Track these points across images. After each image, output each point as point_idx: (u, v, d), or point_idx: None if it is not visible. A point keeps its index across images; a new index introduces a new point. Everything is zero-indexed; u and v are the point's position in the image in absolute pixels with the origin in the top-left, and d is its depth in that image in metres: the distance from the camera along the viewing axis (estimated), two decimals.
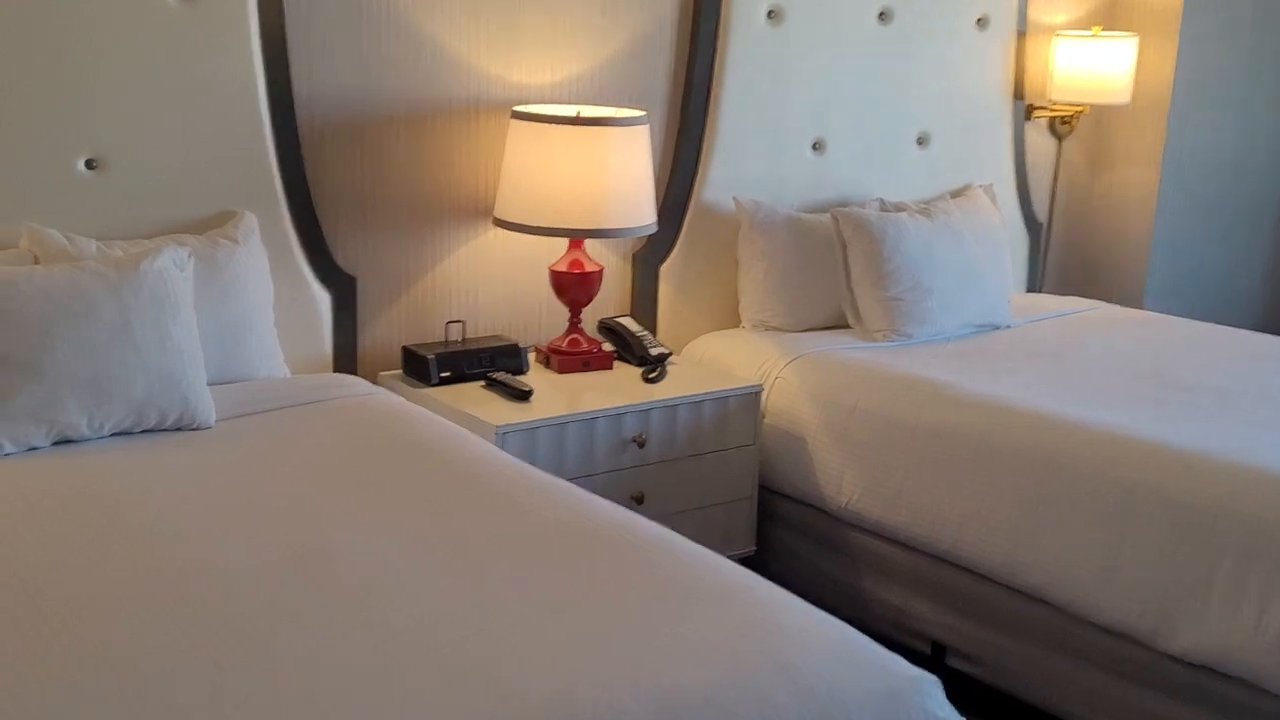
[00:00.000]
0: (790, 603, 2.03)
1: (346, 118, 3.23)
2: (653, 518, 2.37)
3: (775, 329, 3.69)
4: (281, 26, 3.06)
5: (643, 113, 3.35)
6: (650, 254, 3.71)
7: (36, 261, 2.70)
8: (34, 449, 2.48)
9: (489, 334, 3.47)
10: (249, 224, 3.01)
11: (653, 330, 3.67)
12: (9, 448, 2.44)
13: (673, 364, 3.45)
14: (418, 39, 3.28)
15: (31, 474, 2.38)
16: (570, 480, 2.57)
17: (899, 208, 3.86)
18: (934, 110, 4.15)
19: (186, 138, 2.96)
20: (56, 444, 2.52)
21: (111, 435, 2.58)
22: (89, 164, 2.87)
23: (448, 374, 3.20)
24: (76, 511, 2.23)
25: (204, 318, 2.78)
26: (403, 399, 2.97)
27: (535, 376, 3.27)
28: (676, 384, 3.30)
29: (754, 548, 3.40)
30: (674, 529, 2.29)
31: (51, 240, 2.74)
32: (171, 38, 2.91)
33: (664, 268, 3.72)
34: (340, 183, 3.25)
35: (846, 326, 3.73)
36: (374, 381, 3.20)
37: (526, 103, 3.38)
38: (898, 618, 3.20)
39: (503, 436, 2.92)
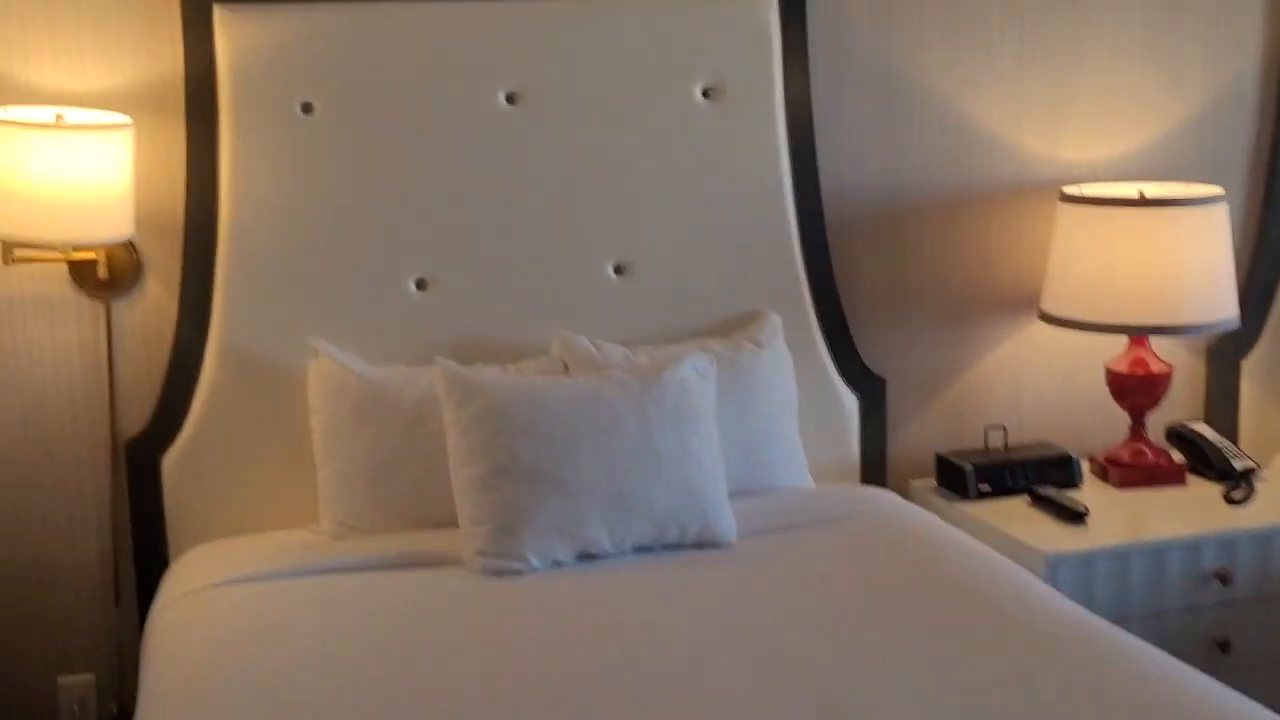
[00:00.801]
0: None
1: (875, 209, 3.03)
2: (1240, 670, 1.92)
3: None
4: (809, 118, 2.91)
5: (1219, 190, 2.89)
6: (1229, 348, 3.19)
7: (566, 369, 2.69)
8: (558, 563, 2.43)
9: (1035, 441, 3.10)
10: (773, 326, 2.85)
11: (1233, 439, 3.14)
12: (535, 563, 2.40)
13: (1261, 480, 2.90)
14: (953, 120, 3.04)
15: (556, 590, 2.34)
16: (1136, 621, 2.18)
17: None
18: None
19: (710, 238, 2.86)
20: (580, 559, 2.45)
21: (633, 551, 2.48)
22: (617, 269, 2.83)
23: (987, 487, 2.89)
24: (599, 632, 2.16)
25: (726, 425, 2.65)
26: (936, 517, 2.69)
27: (1090, 492, 2.89)
28: (1268, 506, 2.77)
29: None
30: (1269, 685, 1.83)
31: (580, 348, 2.71)
32: (698, 136, 2.84)
33: (1246, 364, 3.18)
34: (868, 278, 3.05)
35: None
36: (905, 491, 2.97)
37: (1077, 182, 3.03)
38: None
39: (1052, 566, 2.55)
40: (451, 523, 2.47)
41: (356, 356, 2.68)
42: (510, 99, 2.74)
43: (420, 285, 2.75)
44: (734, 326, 2.87)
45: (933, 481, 3.03)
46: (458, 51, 2.70)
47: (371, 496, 2.59)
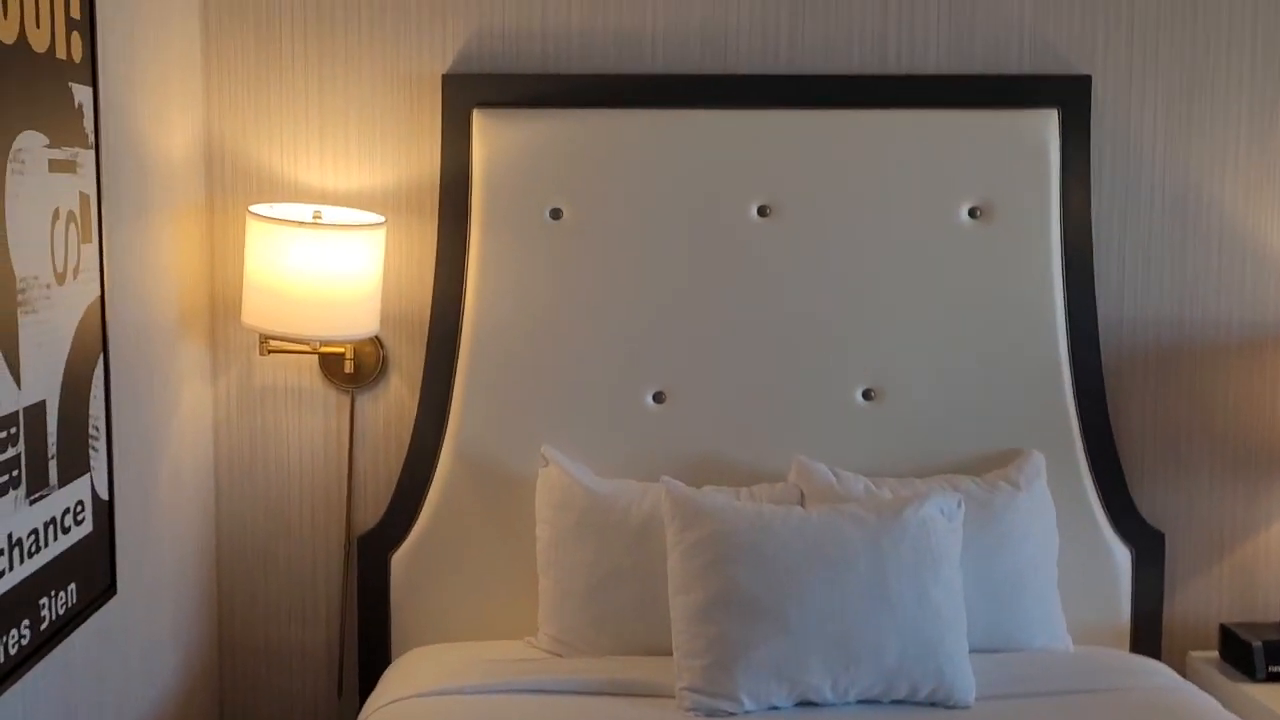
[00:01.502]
0: None
1: (1159, 342, 2.75)
2: None
3: None
4: (1088, 240, 2.68)
5: None
6: None
7: (802, 497, 2.53)
8: (774, 709, 2.25)
9: None
10: (1035, 465, 2.60)
11: None
12: (748, 705, 2.24)
13: None
14: (1255, 247, 2.73)
15: None
16: None
17: None
18: None
19: (971, 366, 2.65)
20: (798, 705, 2.27)
21: (856, 703, 2.28)
22: (866, 394, 2.66)
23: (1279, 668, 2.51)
24: None
25: (972, 572, 2.43)
26: (1215, 701, 2.36)
27: None
28: None
29: None
30: None
31: (818, 476, 2.55)
32: (962, 258, 2.65)
33: None
34: (1147, 419, 2.77)
35: None
36: (1181, 664, 2.66)
37: None
38: None
39: None
40: (668, 650, 2.35)
41: (586, 467, 2.61)
42: (762, 211, 2.64)
43: (658, 398, 2.66)
44: (990, 464, 2.64)
45: (1214, 655, 2.68)
46: (711, 160, 2.63)
47: (589, 614, 2.50)
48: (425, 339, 2.68)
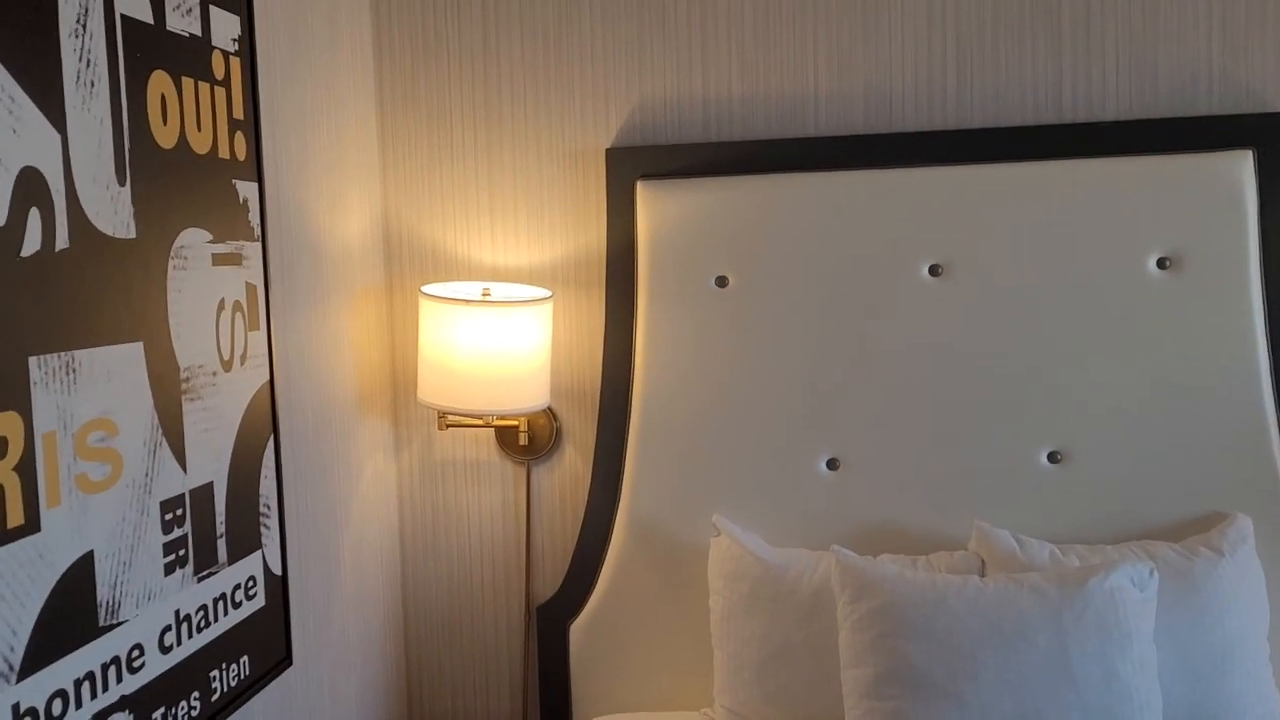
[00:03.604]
0: None
1: None
2: None
3: None
4: None
5: None
6: None
7: (983, 565, 2.42)
8: None
9: None
10: (1241, 529, 2.42)
11: None
12: None
13: None
14: None
15: None
16: None
17: None
18: None
19: (1165, 425, 2.50)
20: None
21: None
22: (1051, 457, 2.54)
23: None
24: None
25: (1171, 648, 2.27)
26: None
27: None
28: None
29: None
30: None
31: (999, 543, 2.44)
32: (1152, 311, 2.50)
33: None
34: None
35: None
36: None
37: None
38: None
39: None
40: None
41: (758, 536, 2.57)
42: (934, 271, 2.57)
43: (831, 465, 2.61)
44: (1189, 529, 2.47)
45: None
46: (878, 221, 2.58)
47: (762, 687, 2.45)
48: (596, 409, 2.71)
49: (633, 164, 2.65)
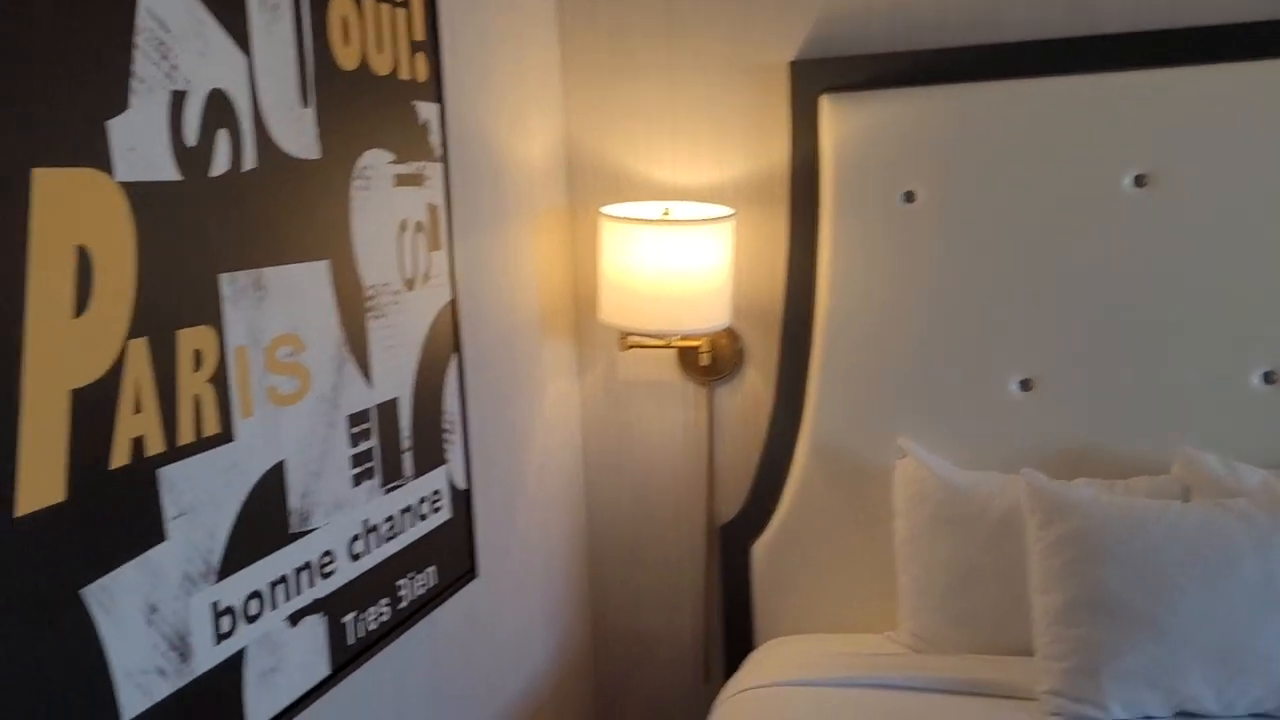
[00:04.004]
0: None
1: None
2: None
3: None
4: None
5: None
6: None
7: (1186, 493, 2.31)
8: (1149, 718, 2.08)
9: None
10: None
11: None
12: (1118, 712, 2.08)
13: None
14: None
15: None
16: None
17: None
18: None
19: None
20: (1177, 715, 2.08)
21: (1247, 716, 2.06)
22: (1267, 377, 2.39)
23: None
24: None
25: None
26: None
27: None
28: None
29: None
30: None
31: (1207, 468, 2.32)
32: None
33: None
34: None
35: None
36: None
37: None
38: None
39: None
40: (1030, 650, 2.22)
41: (945, 460, 2.51)
42: (1139, 181, 2.43)
43: (1024, 386, 2.52)
44: None
45: None
46: (1077, 130, 2.45)
47: (947, 611, 2.41)
48: (779, 330, 2.68)
49: (817, 77, 2.59)
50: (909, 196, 2.54)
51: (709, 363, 2.73)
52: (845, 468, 2.59)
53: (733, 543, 2.71)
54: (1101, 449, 2.47)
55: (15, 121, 1.20)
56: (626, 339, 2.70)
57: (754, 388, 2.74)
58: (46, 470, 1.23)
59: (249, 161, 1.56)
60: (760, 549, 2.68)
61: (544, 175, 2.66)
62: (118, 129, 1.33)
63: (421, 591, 2.02)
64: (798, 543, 2.64)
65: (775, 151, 2.67)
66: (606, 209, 2.57)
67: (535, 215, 2.61)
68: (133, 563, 1.35)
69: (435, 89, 2.06)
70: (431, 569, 2.05)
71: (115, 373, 1.32)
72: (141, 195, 1.37)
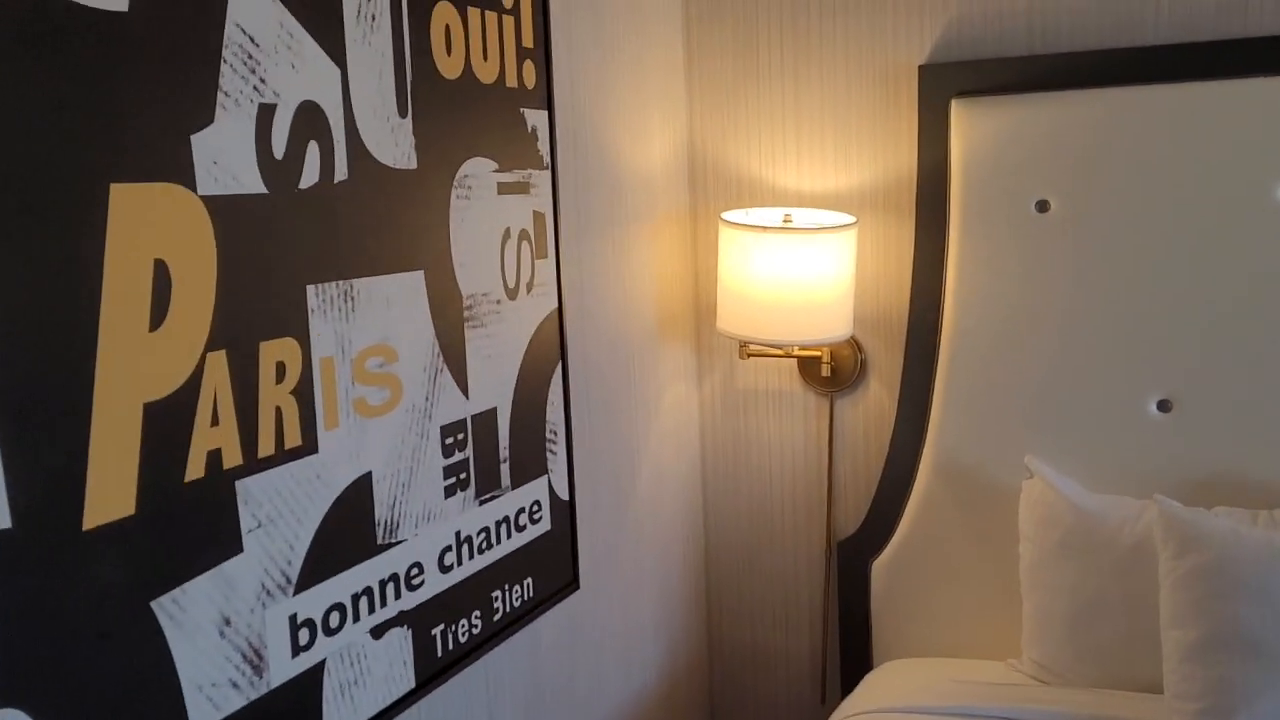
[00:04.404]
0: None
1: None
2: None
3: None
4: None
5: None
6: None
7: None
8: None
9: None
10: None
11: None
12: None
13: None
14: None
15: None
16: None
17: None
18: None
19: None
20: None
21: None
22: None
23: None
24: None
25: None
26: None
27: None
28: None
29: None
30: None
31: None
32: None
33: None
34: None
35: None
36: None
37: None
38: None
39: None
40: (1160, 688, 2.10)
41: (1074, 482, 2.39)
42: None
43: (1162, 407, 2.38)
44: None
45: None
46: (1224, 137, 2.30)
47: (1072, 641, 2.29)
48: (903, 341, 2.59)
49: (948, 81, 2.49)
50: (1042, 206, 2.43)
51: (830, 374, 2.66)
52: (969, 486, 2.49)
53: (851, 560, 2.64)
54: (1243, 476, 2.32)
55: (96, 137, 1.21)
56: (746, 347, 2.65)
57: (877, 399, 2.66)
58: (116, 484, 1.25)
59: (341, 173, 1.56)
60: (879, 567, 2.60)
61: (665, 180, 2.63)
62: (201, 143, 1.34)
63: (517, 603, 2.00)
64: (918, 562, 2.55)
65: (902, 157, 2.58)
66: (726, 215, 2.52)
67: (653, 220, 2.57)
68: (206, 575, 1.36)
69: (545, 96, 2.04)
70: (529, 580, 2.04)
71: (192, 386, 1.33)
72: (224, 208, 1.37)
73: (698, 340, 2.80)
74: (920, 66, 2.50)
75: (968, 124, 2.45)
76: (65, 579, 1.20)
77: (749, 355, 2.67)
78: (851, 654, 2.64)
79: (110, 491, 1.24)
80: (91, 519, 1.22)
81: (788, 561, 2.78)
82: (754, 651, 2.84)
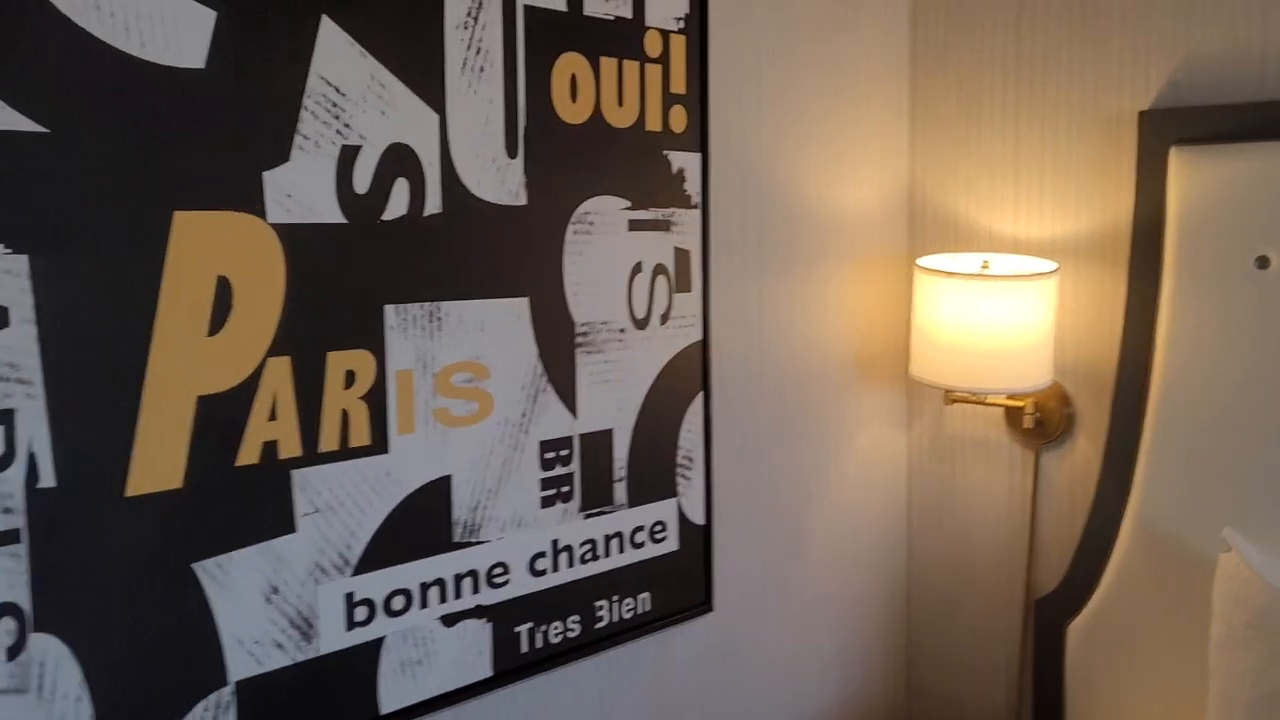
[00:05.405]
0: None
1: None
2: None
3: None
4: None
5: None
6: None
7: None
8: None
9: None
10: None
11: None
12: None
13: None
14: None
15: None
16: None
17: None
18: None
19: None
20: None
21: None
22: None
23: None
24: None
25: None
26: None
27: None
28: None
29: None
30: None
31: None
32: None
33: None
34: None
35: None
36: None
37: None
38: None
39: None
40: None
41: (1277, 561, 2.19)
42: None
43: None
44: None
45: None
46: None
47: None
48: (1110, 396, 2.46)
49: (1169, 127, 2.35)
50: (1262, 262, 2.25)
51: (1033, 425, 2.56)
52: (1171, 554, 2.34)
53: (1047, 619, 2.53)
54: None
55: (161, 169, 1.47)
56: (950, 393, 2.61)
57: (1084, 455, 2.54)
58: (164, 460, 1.50)
59: (433, 206, 1.76)
60: (1075, 630, 2.48)
61: (875, 223, 2.65)
62: (274, 178, 1.58)
63: (628, 615, 2.12)
64: (1115, 628, 2.42)
65: (1121, 205, 2.46)
66: (922, 260, 2.50)
67: (856, 261, 2.60)
68: (254, 547, 1.59)
69: (697, 139, 2.15)
70: (645, 595, 2.15)
71: (250, 385, 1.57)
72: (296, 235, 1.60)
73: (908, 383, 2.78)
74: (1141, 113, 2.38)
75: (1186, 173, 2.31)
76: (103, 536, 1.46)
77: (953, 401, 2.63)
78: (1045, 715, 2.53)
79: (157, 466, 1.49)
80: (135, 487, 1.48)
81: (986, 614, 2.70)
82: (951, 701, 2.77)
